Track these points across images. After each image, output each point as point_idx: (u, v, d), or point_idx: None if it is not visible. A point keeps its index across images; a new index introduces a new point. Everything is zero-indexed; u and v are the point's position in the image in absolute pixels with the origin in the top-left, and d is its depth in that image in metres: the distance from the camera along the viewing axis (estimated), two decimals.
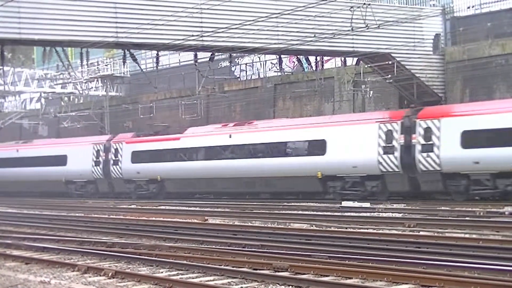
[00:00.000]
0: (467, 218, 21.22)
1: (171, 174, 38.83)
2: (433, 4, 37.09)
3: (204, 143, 37.36)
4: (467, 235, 17.43)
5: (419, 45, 34.00)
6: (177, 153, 38.76)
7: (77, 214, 29.75)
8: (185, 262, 14.37)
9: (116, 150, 42.01)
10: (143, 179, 40.50)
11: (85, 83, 50.72)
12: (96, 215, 28.66)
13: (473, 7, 36.97)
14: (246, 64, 48.24)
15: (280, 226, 21.60)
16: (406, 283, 11.48)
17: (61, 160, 45.21)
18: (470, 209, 23.94)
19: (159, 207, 32.20)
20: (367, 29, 29.03)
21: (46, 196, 46.23)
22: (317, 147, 32.41)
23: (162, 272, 13.71)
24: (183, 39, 28.73)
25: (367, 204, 27.64)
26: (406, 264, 12.91)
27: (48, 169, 45.78)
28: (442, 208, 24.78)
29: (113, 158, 41.97)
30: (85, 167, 43.60)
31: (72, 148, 45.31)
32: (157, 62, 34.00)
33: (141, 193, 40.60)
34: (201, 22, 29.05)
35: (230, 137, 36.04)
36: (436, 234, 17.74)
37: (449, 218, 21.55)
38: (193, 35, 28.66)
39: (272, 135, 34.53)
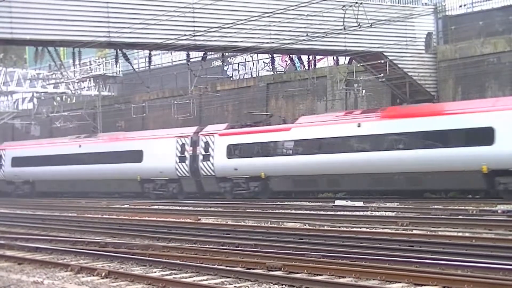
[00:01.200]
0: (460, 217, 21.27)
1: (278, 171, 34.51)
2: (425, 3, 37.12)
3: (323, 134, 32.98)
4: (460, 234, 17.46)
5: (411, 44, 34.05)
6: (287, 146, 34.72)
7: (70, 214, 29.70)
8: (178, 261, 14.37)
9: (207, 143, 37.57)
10: (242, 177, 36.05)
11: (78, 83, 50.56)
12: (89, 215, 28.62)
13: (465, 5, 37.04)
14: (238, 63, 48.24)
15: (273, 225, 21.61)
16: (399, 282, 11.50)
17: (135, 156, 40.76)
18: (463, 207, 24.00)
19: (152, 207, 32.16)
20: (360, 28, 29.05)
21: (116, 196, 43.10)
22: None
23: (155, 272, 13.70)
24: (175, 39, 28.70)
25: (360, 203, 27.68)
26: (399, 262, 12.93)
27: (119, 167, 41.45)
28: (435, 206, 24.83)
29: (203, 153, 37.61)
30: (167, 163, 39.00)
31: (150, 142, 40.65)
32: (150, 62, 33.98)
33: (239, 193, 36.17)
34: (194, 22, 29.02)
35: (359, 126, 31.68)
36: (429, 233, 17.77)
37: (442, 216, 21.60)
38: (185, 35, 28.64)
39: (423, 122, 29.88)
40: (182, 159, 38.43)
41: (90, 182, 43.62)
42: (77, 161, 44.59)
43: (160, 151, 39.39)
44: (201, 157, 37.42)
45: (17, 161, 49.48)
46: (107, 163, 42.12)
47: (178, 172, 38.62)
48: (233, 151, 36.42)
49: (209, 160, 37.03)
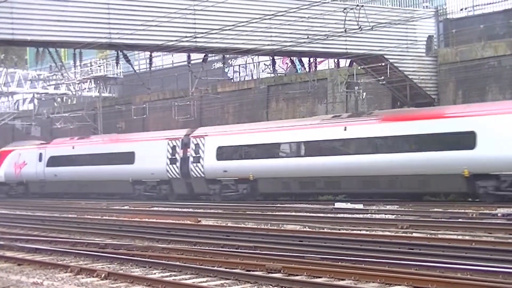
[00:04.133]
0: (459, 220, 21.26)
1: (265, 173, 34.33)
2: (426, 6, 37.19)
3: (309, 137, 33.00)
4: (459, 237, 17.46)
5: (412, 47, 34.06)
6: (277, 148, 34.50)
7: (69, 215, 29.70)
8: (178, 263, 14.36)
9: (197, 145, 37.53)
10: (231, 179, 35.88)
11: (78, 84, 50.68)
12: (89, 216, 28.62)
13: (466, 9, 37.08)
14: (239, 65, 48.27)
15: (273, 227, 21.59)
16: (399, 285, 11.49)
17: (127, 157, 40.94)
18: (462, 210, 23.98)
19: (152, 208, 32.15)
20: (360, 30, 29.03)
21: (107, 197, 42.30)
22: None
23: (155, 273, 13.70)
24: (176, 40, 28.71)
25: (360, 206, 27.67)
26: (399, 265, 12.92)
27: (111, 168, 41.86)
28: (435, 209, 24.81)
29: (193, 154, 37.48)
30: (158, 165, 39.06)
31: (141, 144, 40.82)
32: (150, 63, 34.01)
33: (228, 195, 35.99)
34: (194, 23, 29.03)
35: (345, 129, 31.71)
36: (429, 236, 17.77)
37: (442, 219, 21.57)
38: (186, 36, 28.65)
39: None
40: (173, 161, 38.59)
41: (85, 183, 44.32)
42: (72, 163, 45.23)
43: (151, 153, 39.68)
44: (191, 159, 37.59)
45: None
46: (100, 165, 42.78)
47: (169, 173, 38.80)
48: (223, 153, 36.57)
49: (199, 162, 37.23)
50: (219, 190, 36.35)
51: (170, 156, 38.70)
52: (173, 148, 38.61)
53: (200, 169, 37.17)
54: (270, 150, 34.62)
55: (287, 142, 34.32)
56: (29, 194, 48.72)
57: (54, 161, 46.45)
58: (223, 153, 36.41)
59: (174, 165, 38.41)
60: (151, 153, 39.61)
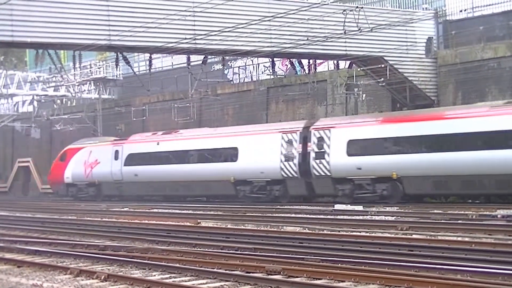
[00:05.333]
0: (459, 221, 21.25)
1: (413, 170, 29.62)
2: (426, 8, 37.19)
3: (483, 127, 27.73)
4: (459, 238, 17.46)
5: (412, 49, 34.09)
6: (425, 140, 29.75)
7: (69, 217, 29.70)
8: (177, 265, 14.35)
9: (321, 139, 32.85)
10: (366, 177, 31.15)
11: (78, 85, 50.68)
12: (88, 218, 28.62)
13: (465, 10, 37.09)
14: (239, 67, 48.27)
15: (273, 229, 21.59)
16: (399, 286, 11.47)
17: (229, 154, 36.56)
18: (462, 212, 23.98)
19: (151, 210, 32.16)
20: (360, 32, 29.08)
21: (201, 201, 38.53)
22: None
23: (154, 275, 13.69)
24: (176, 42, 28.72)
25: (360, 207, 27.68)
26: (399, 267, 12.92)
27: (208, 167, 37.23)
28: (435, 211, 24.83)
29: (316, 150, 32.77)
30: (269, 163, 34.38)
31: (247, 139, 36.00)
32: (150, 65, 33.97)
33: (360, 196, 31.52)
34: (194, 25, 29.06)
35: None
36: (428, 237, 17.77)
37: (442, 221, 21.57)
38: (186, 38, 28.66)
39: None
40: (288, 157, 33.72)
41: (173, 184, 39.43)
42: (155, 161, 40.50)
43: (260, 148, 34.97)
44: (313, 154, 32.80)
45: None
46: (192, 163, 38.43)
47: (283, 172, 33.89)
48: (355, 147, 31.69)
49: (323, 158, 32.45)
50: (350, 191, 31.73)
51: (285, 152, 33.93)
52: (289, 142, 33.94)
53: (325, 167, 32.37)
54: (421, 143, 29.79)
55: (449, 134, 28.89)
56: (102, 196, 43.94)
57: (134, 159, 41.63)
58: (356, 147, 31.63)
59: (290, 162, 33.72)
60: (260, 148, 34.99)
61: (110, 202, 40.63)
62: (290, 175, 33.71)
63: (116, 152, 42.74)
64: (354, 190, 31.55)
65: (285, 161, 33.79)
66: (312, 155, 32.78)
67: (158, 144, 40.39)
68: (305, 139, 33.38)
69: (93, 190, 44.47)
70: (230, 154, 36.45)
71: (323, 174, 32.35)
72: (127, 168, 41.86)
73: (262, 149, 34.85)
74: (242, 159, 35.76)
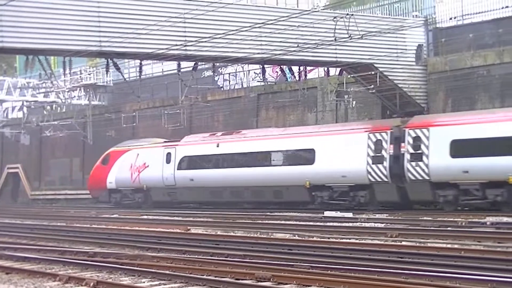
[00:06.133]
0: (449, 228, 21.32)
1: None
2: (416, 15, 37.28)
3: None
4: (449, 245, 17.51)
5: (402, 56, 34.16)
6: None
7: (58, 224, 29.61)
8: (167, 272, 14.33)
9: (417, 139, 29.63)
10: (474, 182, 27.83)
11: (68, 92, 50.54)
12: (78, 225, 28.54)
13: (455, 18, 37.19)
14: (229, 74, 48.28)
15: (263, 236, 21.59)
16: None
17: (303, 156, 33.47)
18: (452, 219, 24.04)
19: (141, 217, 32.10)
20: (350, 39, 29.13)
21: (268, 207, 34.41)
22: None
23: (144, 282, 13.67)
24: (166, 49, 28.70)
25: (350, 214, 27.68)
26: (388, 274, 12.93)
27: (278, 171, 34.10)
28: (424, 218, 24.89)
29: (411, 151, 29.66)
30: (353, 165, 31.35)
31: (326, 139, 32.80)
32: (140, 71, 33.91)
33: (468, 203, 28.64)
34: (185, 32, 29.05)
35: None
36: (418, 244, 17.81)
37: (431, 228, 21.63)
38: (176, 45, 28.65)
39: None
40: (377, 159, 30.66)
41: (236, 190, 36.28)
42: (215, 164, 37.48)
43: (342, 149, 31.92)
44: (408, 156, 29.75)
45: None
46: (259, 166, 35.21)
47: (370, 176, 30.80)
48: (461, 148, 28.52)
49: (421, 160, 29.40)
50: (454, 197, 28.61)
51: (372, 154, 30.88)
52: (377, 143, 30.86)
53: (422, 170, 29.27)
54: None
55: None
56: (151, 203, 40.68)
57: (190, 162, 38.33)
58: (462, 148, 28.45)
59: (379, 165, 30.57)
60: (341, 150, 31.94)
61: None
62: (379, 179, 30.52)
63: (168, 154, 39.52)
64: (459, 196, 28.47)
65: (372, 163, 30.70)
66: (407, 157, 29.65)
67: (218, 146, 37.24)
68: (397, 139, 30.33)
69: (140, 197, 41.12)
70: (305, 156, 33.33)
71: (420, 178, 29.21)
72: (181, 172, 38.63)
73: (344, 151, 31.75)
74: (319, 161, 32.62)
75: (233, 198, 36.58)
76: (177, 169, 38.65)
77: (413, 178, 29.42)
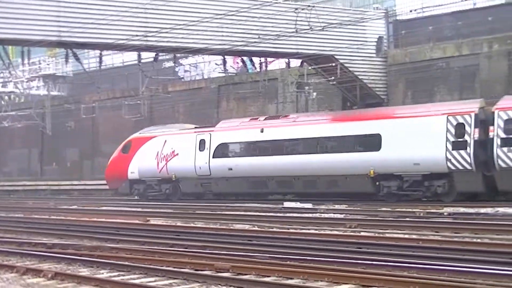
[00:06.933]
0: (407, 219, 21.51)
1: None
2: (377, 7, 37.52)
3: None
4: (407, 236, 17.66)
5: (362, 48, 34.35)
6: None
7: (16, 215, 29.27)
8: (126, 263, 14.25)
9: (510, 121, 26.42)
10: None
11: (26, 82, 50.02)
12: (36, 216, 28.24)
13: (415, 10, 37.47)
14: (190, 64, 48.15)
15: (222, 227, 21.59)
16: (347, 283, 11.57)
17: (367, 142, 30.16)
18: (410, 210, 24.26)
19: (100, 208, 31.88)
20: (311, 31, 29.23)
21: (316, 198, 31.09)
22: None
23: (103, 273, 13.58)
24: (127, 39, 28.53)
25: (309, 205, 27.80)
26: (347, 264, 13.01)
27: (336, 158, 30.70)
28: (383, 209, 25.09)
29: (503, 135, 26.38)
30: (428, 152, 28.04)
31: (394, 123, 29.53)
32: (100, 62, 33.66)
33: None
34: (145, 22, 28.90)
35: None
36: (376, 235, 17.92)
37: (390, 218, 21.82)
38: (137, 35, 28.49)
39: None
40: (458, 145, 27.43)
41: (286, 180, 32.74)
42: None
43: (414, 134, 28.73)
44: (498, 141, 26.50)
45: None
46: (313, 153, 31.84)
47: (450, 163, 27.53)
48: None
49: None
50: None
51: (453, 139, 27.62)
52: (458, 126, 27.63)
53: None
54: None
55: None
56: (180, 195, 36.57)
57: (228, 150, 34.76)
58: None
59: (461, 151, 27.33)
60: (413, 134, 28.73)
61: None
62: (461, 167, 27.29)
63: (202, 141, 35.42)
64: None
65: (452, 149, 27.47)
66: (498, 142, 26.39)
67: (262, 131, 33.50)
68: (483, 123, 27.23)
69: (167, 188, 36.80)
70: (369, 142, 30.07)
71: None
72: (217, 161, 34.72)
73: (417, 136, 28.56)
74: (387, 148, 29.34)
75: (280, 189, 33.64)
76: (213, 157, 34.91)
77: (504, 165, 26.14)
